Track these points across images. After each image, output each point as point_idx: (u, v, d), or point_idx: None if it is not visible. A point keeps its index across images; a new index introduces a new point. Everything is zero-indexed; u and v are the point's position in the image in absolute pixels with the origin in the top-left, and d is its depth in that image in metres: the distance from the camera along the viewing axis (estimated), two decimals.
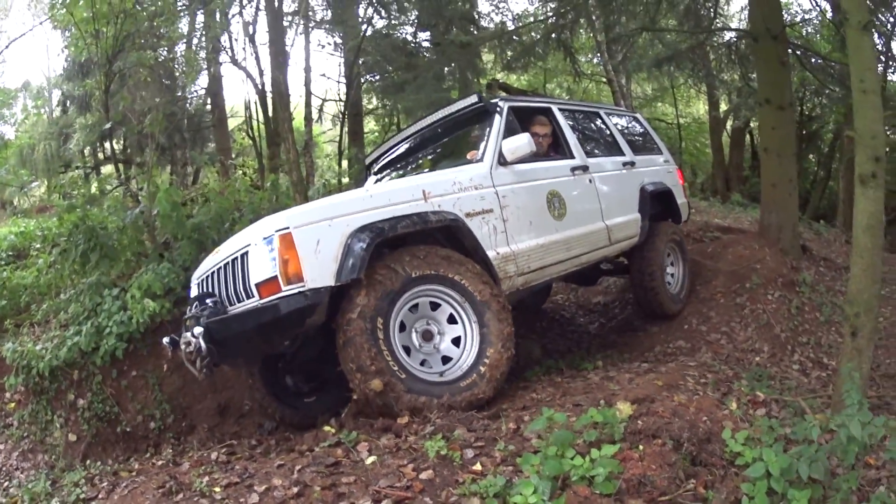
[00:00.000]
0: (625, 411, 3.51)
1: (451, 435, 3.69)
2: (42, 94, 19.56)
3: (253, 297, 3.89)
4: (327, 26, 12.52)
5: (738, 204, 14.85)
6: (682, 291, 7.16)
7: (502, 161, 4.89)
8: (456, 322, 4.29)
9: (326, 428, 4.41)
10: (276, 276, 3.70)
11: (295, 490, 3.26)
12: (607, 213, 5.87)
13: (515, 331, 5.70)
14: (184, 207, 6.73)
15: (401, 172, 6.12)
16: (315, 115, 12.88)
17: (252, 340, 3.94)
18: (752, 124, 17.42)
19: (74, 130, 13.84)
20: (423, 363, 4.24)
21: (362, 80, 12.42)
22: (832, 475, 3.09)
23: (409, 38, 12.19)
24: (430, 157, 6.01)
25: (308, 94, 11.23)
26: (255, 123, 11.97)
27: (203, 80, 12.13)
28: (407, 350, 4.17)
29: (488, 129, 5.14)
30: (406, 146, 6.17)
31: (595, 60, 16.81)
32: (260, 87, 10.44)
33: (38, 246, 7.51)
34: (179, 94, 11.61)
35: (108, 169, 11.46)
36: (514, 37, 10.22)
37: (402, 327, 4.19)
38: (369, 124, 15.90)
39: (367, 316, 3.82)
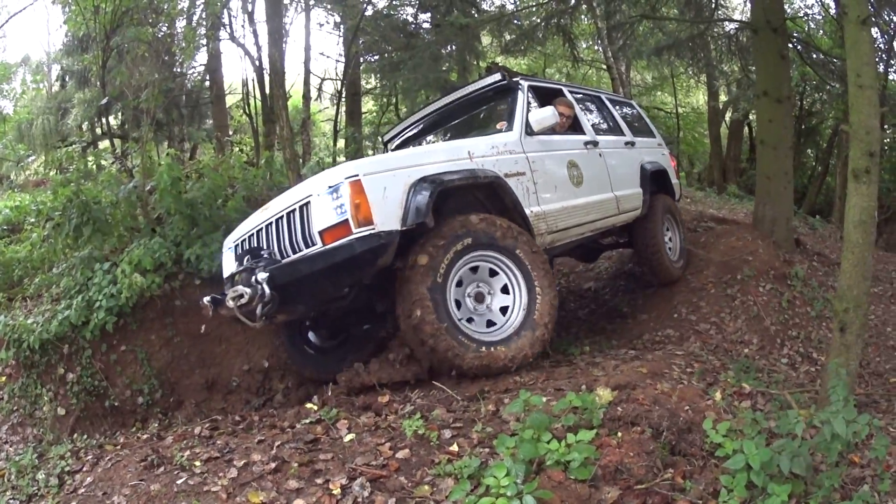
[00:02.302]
0: (604, 397, 3.50)
1: (430, 415, 3.71)
2: (41, 69, 19.45)
3: (315, 244, 4.14)
4: (327, 5, 12.38)
5: (734, 196, 14.83)
6: (680, 258, 7.55)
7: (529, 131, 5.35)
8: (508, 292, 4.61)
9: (309, 405, 4.42)
10: (346, 220, 3.95)
11: (272, 465, 3.31)
12: (615, 185, 6.30)
13: None
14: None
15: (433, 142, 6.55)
16: (314, 94, 12.77)
17: (319, 283, 4.14)
18: (750, 116, 17.36)
19: (73, 105, 13.76)
20: (469, 320, 4.50)
21: (361, 60, 12.32)
22: (815, 471, 3.07)
23: (410, 18, 12.04)
24: (452, 132, 6.43)
25: (307, 72, 11.10)
26: (251, 101, 11.89)
27: (202, 57, 12.12)
28: (458, 304, 4.45)
29: (513, 103, 5.59)
30: (427, 123, 6.59)
31: (595, 47, 16.64)
32: (257, 64, 10.33)
33: (32, 220, 7.45)
34: (178, 70, 11.49)
35: (104, 144, 11.42)
36: (514, 20, 10.08)
37: (459, 283, 4.50)
38: (367, 104, 15.81)
39: (431, 265, 4.17)
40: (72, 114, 13.74)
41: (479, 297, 4.59)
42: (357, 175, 3.98)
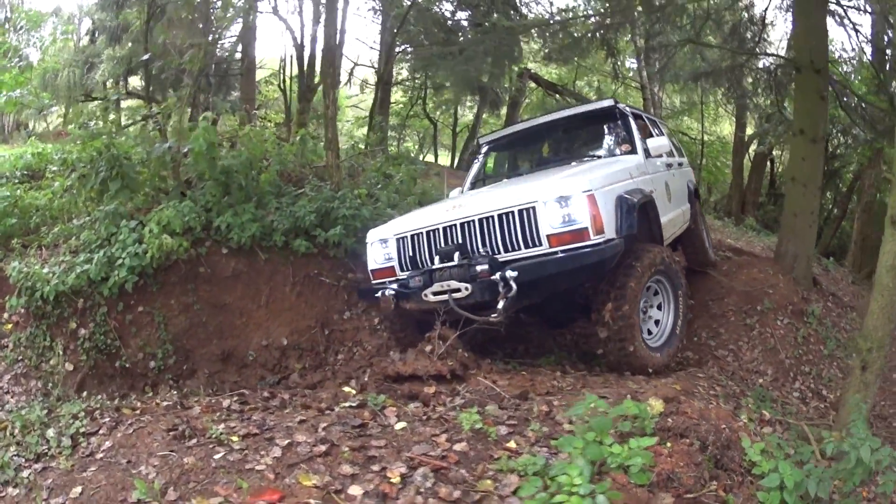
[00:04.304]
0: (656, 408, 3.69)
1: (484, 410, 3.84)
2: (72, 21, 19.46)
3: (539, 245, 4.76)
4: None
5: (752, 228, 15.12)
6: (712, 250, 8.84)
7: (648, 155, 6.21)
8: (660, 309, 5.57)
9: (346, 389, 4.56)
10: (585, 228, 4.61)
11: (322, 448, 3.39)
12: (681, 201, 7.25)
13: (533, 322, 6.01)
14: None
15: (531, 155, 7.66)
16: (344, 79, 12.94)
17: (558, 281, 4.83)
18: (774, 151, 17.68)
19: (101, 61, 13.84)
20: None
21: (396, 51, 12.49)
22: (829, 500, 3.27)
23: (448, 14, 12.23)
24: (558, 147, 7.37)
25: (338, 56, 11.23)
26: (287, 77, 12.03)
27: (235, 28, 12.21)
28: None
29: (628, 128, 6.50)
30: (529, 135, 7.38)
31: (628, 65, 16.92)
32: (299, 40, 10.44)
33: (55, 168, 7.48)
34: (213, 37, 11.59)
35: (128, 103, 11.51)
36: (558, 29, 10.29)
37: None
38: (395, 94, 16.03)
39: (642, 274, 5.02)
40: (99, 69, 13.84)
41: (644, 310, 5.36)
42: (591, 190, 4.69)
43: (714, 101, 17.06)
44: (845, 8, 9.40)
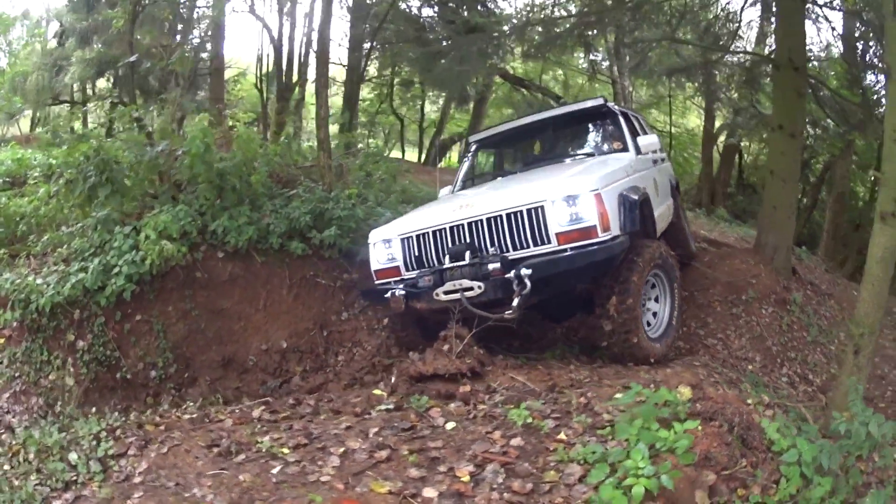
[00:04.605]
0: (685, 394, 3.96)
1: (527, 405, 4.06)
2: (40, 25, 19.08)
3: (547, 243, 4.99)
4: None
5: (723, 219, 15.65)
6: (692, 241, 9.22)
7: (638, 152, 6.45)
8: (658, 302, 5.86)
9: (377, 392, 4.68)
10: (593, 226, 4.85)
11: (384, 453, 3.52)
12: (665, 196, 7.47)
13: (537, 316, 6.21)
14: None
15: (522, 154, 7.87)
16: (311, 77, 12.96)
17: (569, 277, 5.08)
18: (742, 143, 18.27)
19: (70, 63, 13.63)
20: None
21: (367, 48, 12.57)
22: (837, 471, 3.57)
23: (416, 11, 12.35)
24: (549, 145, 7.51)
25: (306, 54, 11.28)
26: (261, 76, 12.00)
27: (205, 27, 12.11)
28: None
29: (618, 127, 6.79)
30: (519, 133, 7.50)
31: (599, 59, 17.27)
32: (277, 40, 10.45)
33: (37, 174, 7.37)
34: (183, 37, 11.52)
35: (95, 106, 11.38)
36: (537, 27, 10.50)
37: None
38: (362, 91, 16.09)
39: (643, 269, 5.28)
40: (68, 72, 13.63)
41: (643, 303, 5.58)
42: (598, 189, 4.94)
43: (683, 94, 17.54)
44: (821, 6, 9.78)
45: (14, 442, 3.90)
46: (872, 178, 14.76)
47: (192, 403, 5.14)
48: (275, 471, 3.35)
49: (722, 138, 19.52)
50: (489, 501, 3.10)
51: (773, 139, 8.77)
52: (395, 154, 18.88)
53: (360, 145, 9.99)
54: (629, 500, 3.00)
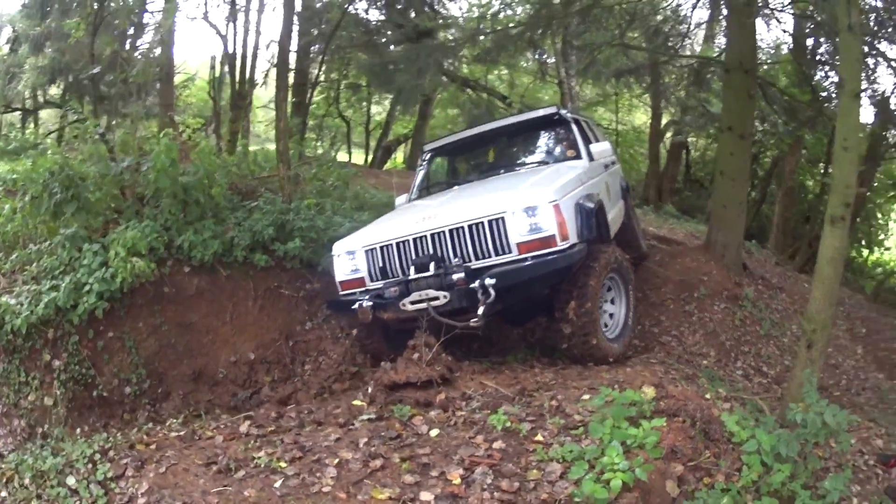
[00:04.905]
0: (649, 394, 4.41)
1: (502, 410, 4.43)
2: None
3: (508, 253, 5.33)
4: None
5: (671, 215, 16.33)
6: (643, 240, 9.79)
7: (591, 159, 6.88)
8: (613, 304, 6.27)
9: (356, 402, 4.96)
10: (552, 235, 5.21)
11: (378, 462, 3.82)
12: (616, 199, 7.88)
13: (496, 321, 6.56)
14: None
15: (477, 162, 8.13)
16: (260, 81, 13.09)
17: (532, 285, 5.40)
18: (690, 140, 19.01)
19: (23, 70, 13.40)
20: None
21: (313, 50, 12.73)
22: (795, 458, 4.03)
23: (363, 14, 12.58)
24: (504, 154, 7.85)
25: (254, 58, 11.40)
26: (213, 83, 12.06)
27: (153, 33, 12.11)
28: None
29: (572, 134, 7.23)
30: (474, 142, 7.91)
31: (546, 60, 17.71)
32: (231, 48, 10.57)
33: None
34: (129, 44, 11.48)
35: (45, 114, 11.24)
36: (485, 30, 10.87)
37: None
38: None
39: (600, 273, 5.67)
40: (21, 79, 13.39)
41: (600, 305, 5.91)
42: (556, 200, 5.30)
43: (629, 93, 18.17)
44: (772, 9, 10.36)
45: (5, 467, 3.97)
46: (823, 174, 15.76)
47: (174, 420, 5.30)
48: (277, 485, 3.58)
49: (669, 135, 20.30)
50: (482, 501, 3.44)
51: (723, 140, 9.30)
52: (342, 157, 19.06)
53: (308, 152, 10.17)
54: (609, 493, 3.39)
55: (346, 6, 11.46)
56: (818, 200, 16.41)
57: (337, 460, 3.86)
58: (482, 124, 8.26)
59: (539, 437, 4.06)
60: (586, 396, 4.60)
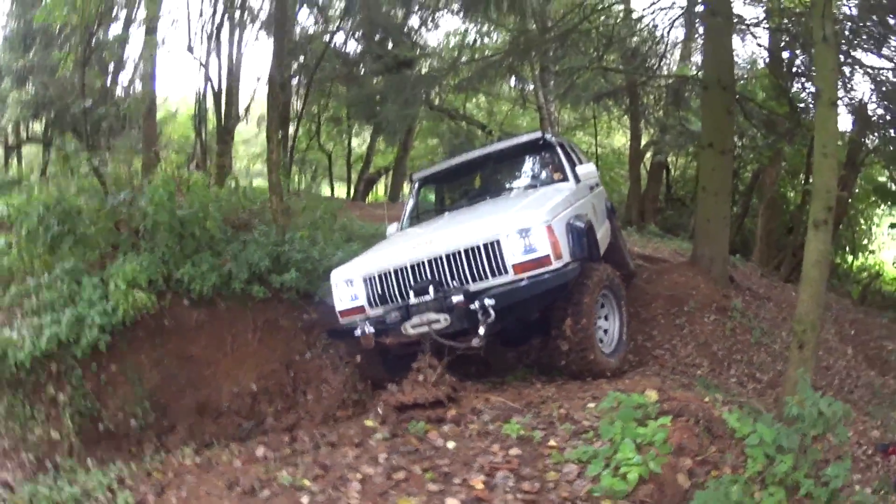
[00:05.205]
0: (652, 397, 4.68)
1: (513, 421, 4.69)
2: None
3: (504, 274, 5.60)
4: (264, 27, 13.12)
5: (655, 234, 16.76)
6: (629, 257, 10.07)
7: (578, 181, 7.21)
8: (607, 320, 6.52)
9: (368, 423, 5.18)
10: (546, 256, 5.50)
11: (401, 475, 4.02)
12: (603, 220, 8.12)
13: (493, 343, 6.83)
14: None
15: (466, 189, 8.41)
16: (243, 115, 13.34)
17: (531, 304, 5.68)
18: (670, 159, 19.56)
19: (6, 104, 13.50)
20: None
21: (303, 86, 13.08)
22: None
23: (341, 45, 12.96)
24: (493, 178, 8.18)
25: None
26: (198, 117, 12.30)
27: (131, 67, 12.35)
28: None
29: (558, 157, 7.61)
30: (464, 168, 8.24)
31: (524, 86, 18.21)
32: (216, 82, 10.83)
33: None
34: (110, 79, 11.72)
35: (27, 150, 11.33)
36: (465, 59, 11.30)
37: None
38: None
39: (594, 290, 5.93)
40: (4, 113, 13.48)
41: (595, 321, 6.15)
42: (549, 221, 5.63)
43: (608, 116, 18.69)
44: (748, 25, 10.87)
45: (17, 499, 4.14)
46: (804, 184, 16.06)
47: (186, 448, 5.38)
48: (304, 501, 3.74)
49: (649, 155, 20.86)
50: (506, 503, 3.66)
51: (704, 156, 9.74)
52: (325, 190, 19.36)
53: (293, 186, 10.43)
54: (627, 485, 3.65)
55: (328, 39, 11.82)
56: (800, 211, 16.74)
57: (360, 475, 4.03)
58: (464, 153, 8.61)
59: (552, 443, 4.31)
60: (591, 405, 4.88)
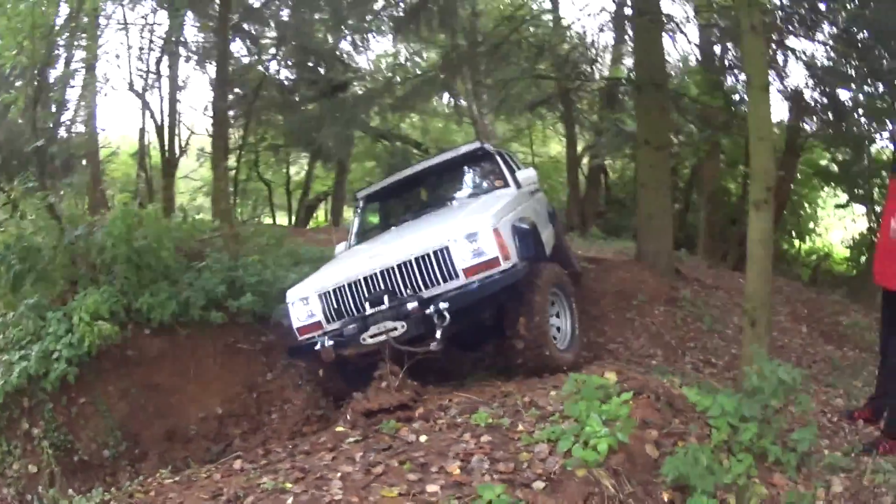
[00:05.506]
0: (612, 378, 5.01)
1: (481, 411, 4.96)
2: None
3: (456, 278, 5.90)
4: (197, 58, 13.25)
5: (598, 237, 17.30)
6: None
7: (519, 186, 7.60)
8: (559, 317, 6.82)
9: (339, 429, 5.42)
10: (495, 258, 5.81)
11: (379, 469, 4.23)
12: (546, 223, 8.41)
13: (452, 348, 7.09)
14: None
15: (410, 203, 8.76)
16: (186, 148, 13.42)
17: (484, 305, 6.01)
18: (607, 162, 20.14)
19: None
20: None
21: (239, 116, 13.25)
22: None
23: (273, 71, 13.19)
24: (436, 190, 8.59)
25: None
26: (142, 154, 12.35)
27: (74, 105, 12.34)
28: None
29: (497, 165, 8.01)
30: (407, 182, 8.59)
31: (457, 102, 18.67)
32: (158, 117, 10.93)
33: None
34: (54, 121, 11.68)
35: None
36: (399, 78, 11.63)
37: None
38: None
39: (543, 288, 6.25)
40: None
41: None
42: (494, 224, 5.96)
43: (543, 124, 19.22)
44: (677, 23, 11.48)
45: None
46: (744, 174, 16.51)
47: (163, 472, 5.58)
48: (289, 501, 3.90)
49: (585, 161, 21.50)
50: (485, 483, 3.88)
51: (642, 154, 10.22)
52: (266, 220, 19.46)
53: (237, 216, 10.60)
54: (598, 455, 3.95)
55: (264, 68, 12.04)
56: (742, 201, 17.17)
57: (339, 474, 4.20)
58: (405, 169, 8.97)
59: (521, 427, 4.57)
60: (553, 392, 5.17)
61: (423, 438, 4.71)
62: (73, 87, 9.84)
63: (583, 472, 3.91)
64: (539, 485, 3.87)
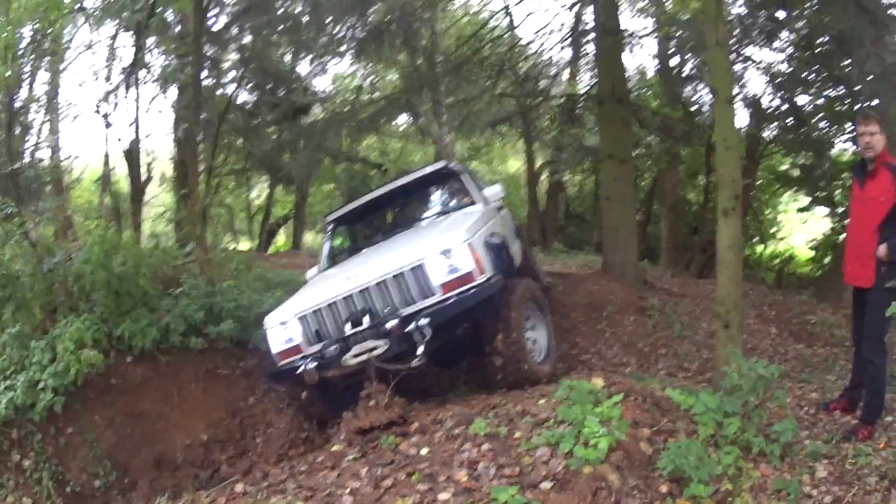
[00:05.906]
0: (599, 383, 5.31)
1: (477, 422, 5.14)
2: None
3: (433, 294, 6.13)
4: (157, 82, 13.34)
5: (560, 251, 17.74)
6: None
7: (486, 203, 7.81)
8: (534, 330, 6.98)
9: (336, 447, 5.60)
10: (470, 272, 6.05)
11: (388, 482, 4.45)
12: (513, 238, 8.56)
13: (430, 365, 7.28)
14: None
15: (379, 224, 9.09)
16: (144, 175, 13.47)
17: (463, 318, 6.15)
18: (566, 178, 20.64)
19: None
20: None
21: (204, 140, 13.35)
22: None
23: (232, 96, 13.37)
24: (405, 210, 8.93)
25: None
26: (108, 179, 12.34)
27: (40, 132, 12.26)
28: None
29: (464, 183, 8.26)
30: (375, 203, 8.75)
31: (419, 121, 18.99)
32: (127, 142, 10.98)
33: None
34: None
35: None
36: (362, 101, 11.91)
37: None
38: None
39: (519, 304, 6.47)
40: None
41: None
42: (468, 239, 6.16)
43: (501, 142, 19.65)
44: (638, 37, 11.96)
45: None
46: (707, 183, 17.14)
47: (161, 498, 5.76)
48: None
49: (544, 177, 22.02)
50: (494, 487, 4.14)
51: (605, 167, 10.58)
52: (230, 245, 19.49)
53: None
54: (599, 453, 4.26)
55: (230, 93, 12.20)
56: (703, 209, 17.82)
57: (349, 489, 4.39)
58: (371, 190, 9.24)
59: (518, 434, 4.81)
60: (542, 401, 5.41)
61: (424, 451, 4.91)
62: (38, 111, 9.90)
63: (588, 469, 4.21)
64: (546, 485, 4.16)
